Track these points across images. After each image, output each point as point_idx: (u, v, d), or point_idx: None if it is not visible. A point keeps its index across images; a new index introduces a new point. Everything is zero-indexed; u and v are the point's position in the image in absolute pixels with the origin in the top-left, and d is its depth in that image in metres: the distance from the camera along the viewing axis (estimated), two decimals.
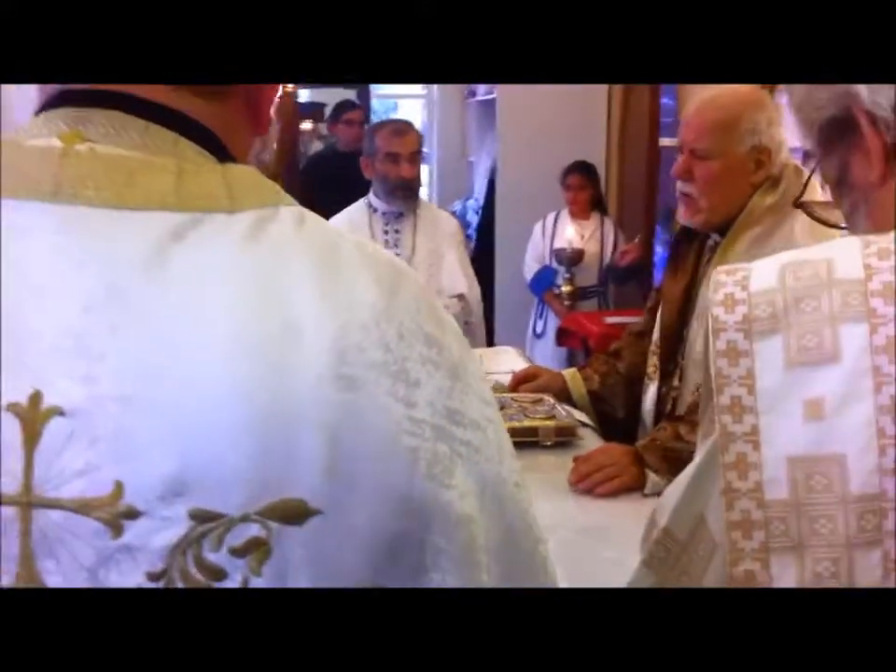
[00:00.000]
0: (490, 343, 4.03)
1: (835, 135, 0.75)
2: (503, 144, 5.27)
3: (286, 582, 0.56)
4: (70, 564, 0.55)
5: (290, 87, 4.63)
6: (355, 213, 3.21)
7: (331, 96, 5.78)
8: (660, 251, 4.88)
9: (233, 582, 0.55)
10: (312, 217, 0.63)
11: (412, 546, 0.58)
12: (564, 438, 1.97)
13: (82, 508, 0.54)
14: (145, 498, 0.54)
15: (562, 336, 4.33)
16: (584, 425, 2.11)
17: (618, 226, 4.68)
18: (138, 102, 0.63)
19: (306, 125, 6.22)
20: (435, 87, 6.57)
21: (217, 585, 0.55)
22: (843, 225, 0.84)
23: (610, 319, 4.00)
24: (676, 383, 1.87)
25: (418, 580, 0.59)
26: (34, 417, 0.54)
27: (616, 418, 2.17)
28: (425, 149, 3.91)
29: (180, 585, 0.55)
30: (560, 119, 5.09)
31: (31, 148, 0.61)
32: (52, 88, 0.65)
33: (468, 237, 5.19)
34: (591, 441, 2.03)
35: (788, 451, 0.60)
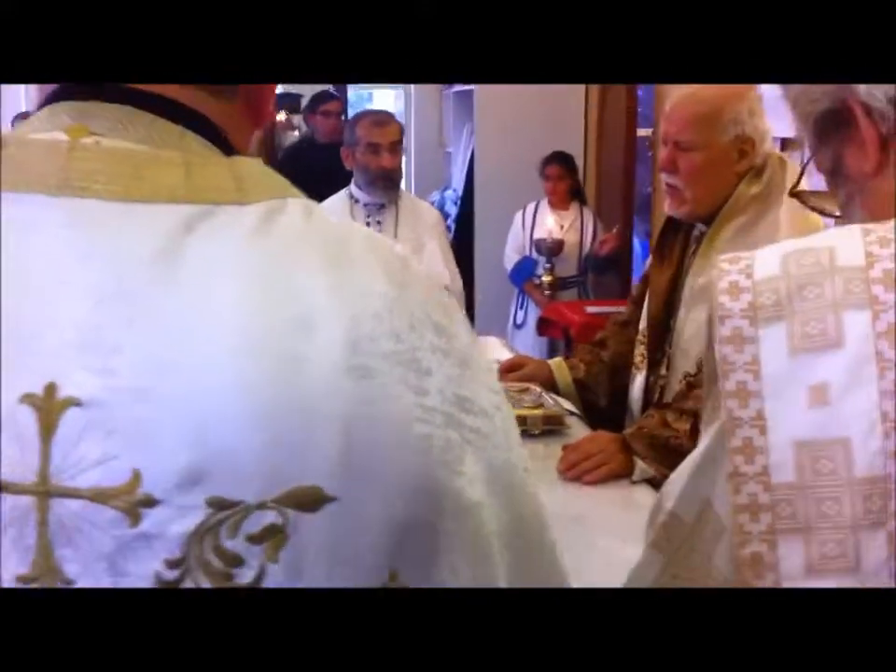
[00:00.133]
0: None
1: (830, 127, 0.76)
2: (481, 134, 5.29)
3: (301, 569, 0.56)
4: (88, 552, 0.55)
5: None
6: (336, 204, 3.21)
7: (307, 87, 5.75)
8: (636, 242, 4.91)
9: (250, 569, 0.55)
10: (319, 209, 0.64)
11: (424, 532, 0.59)
12: (551, 427, 1.99)
13: (100, 497, 0.55)
14: (162, 487, 0.54)
15: (543, 326, 4.35)
16: (571, 413, 2.13)
17: (597, 216, 4.70)
18: (144, 95, 0.63)
19: (280, 116, 6.18)
20: None
21: (234, 572, 0.55)
22: (837, 214, 0.85)
23: (591, 309, 4.03)
24: (663, 371, 1.89)
25: (431, 565, 0.59)
26: (50, 408, 0.55)
27: (599, 406, 2.19)
28: None
29: (198, 573, 0.55)
30: (538, 109, 5.10)
31: (36, 142, 0.61)
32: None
33: (447, 228, 5.20)
34: (578, 430, 2.04)
35: (794, 435, 0.61)
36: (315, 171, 4.21)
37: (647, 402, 1.94)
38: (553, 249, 4.36)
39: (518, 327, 4.63)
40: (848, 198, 0.78)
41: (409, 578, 0.59)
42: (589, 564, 1.40)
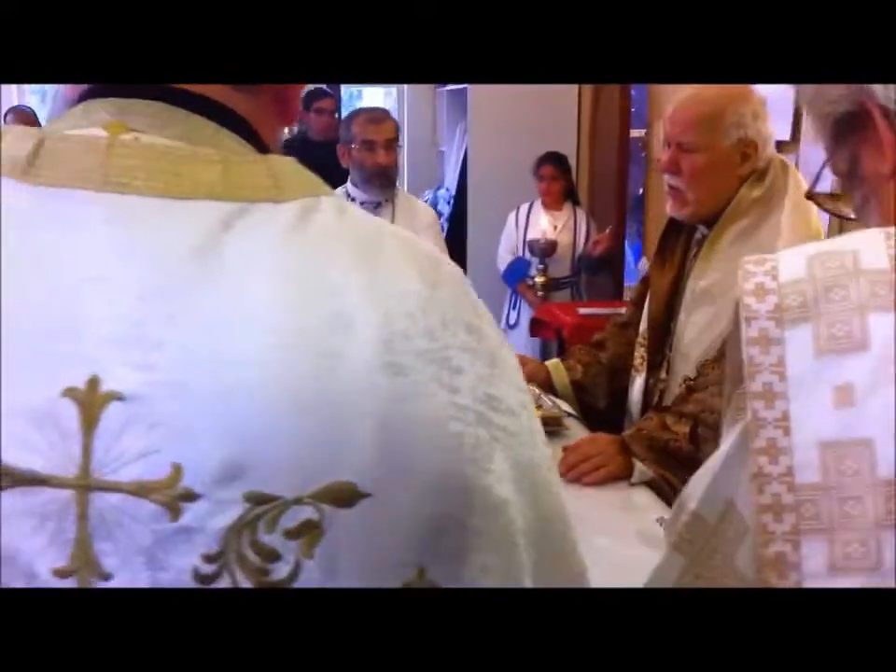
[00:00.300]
0: None
1: (847, 129, 0.77)
2: (474, 134, 5.29)
3: (335, 564, 0.57)
4: (127, 546, 0.56)
5: None
6: None
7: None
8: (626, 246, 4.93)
9: (286, 564, 0.56)
10: (352, 207, 0.64)
11: (454, 529, 0.59)
12: (550, 428, 1.99)
13: (140, 490, 0.55)
14: (202, 481, 0.55)
15: (535, 327, 4.36)
16: (569, 415, 2.13)
17: (590, 216, 4.71)
18: (179, 93, 0.63)
19: None
20: None
21: (270, 567, 0.56)
22: (852, 216, 0.86)
23: (583, 310, 4.04)
24: (663, 374, 1.89)
25: (459, 562, 0.60)
26: (92, 402, 0.55)
27: (598, 408, 2.19)
28: None
29: (235, 567, 0.56)
30: (531, 109, 5.12)
31: (76, 138, 0.61)
32: None
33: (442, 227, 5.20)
34: (576, 431, 2.05)
35: (819, 436, 0.62)
36: (309, 168, 4.20)
37: (646, 405, 1.94)
38: (546, 250, 4.37)
39: (511, 327, 4.63)
40: (864, 200, 0.79)
41: (437, 574, 0.59)
42: (588, 565, 1.41)
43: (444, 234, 5.38)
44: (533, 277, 4.45)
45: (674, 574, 0.71)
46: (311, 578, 0.56)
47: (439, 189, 6.43)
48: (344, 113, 5.14)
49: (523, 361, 2.33)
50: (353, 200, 3.21)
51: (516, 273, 4.55)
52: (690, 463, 1.70)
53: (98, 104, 0.63)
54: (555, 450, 1.87)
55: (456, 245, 5.05)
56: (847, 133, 0.77)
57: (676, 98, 1.87)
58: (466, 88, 5.41)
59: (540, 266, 4.40)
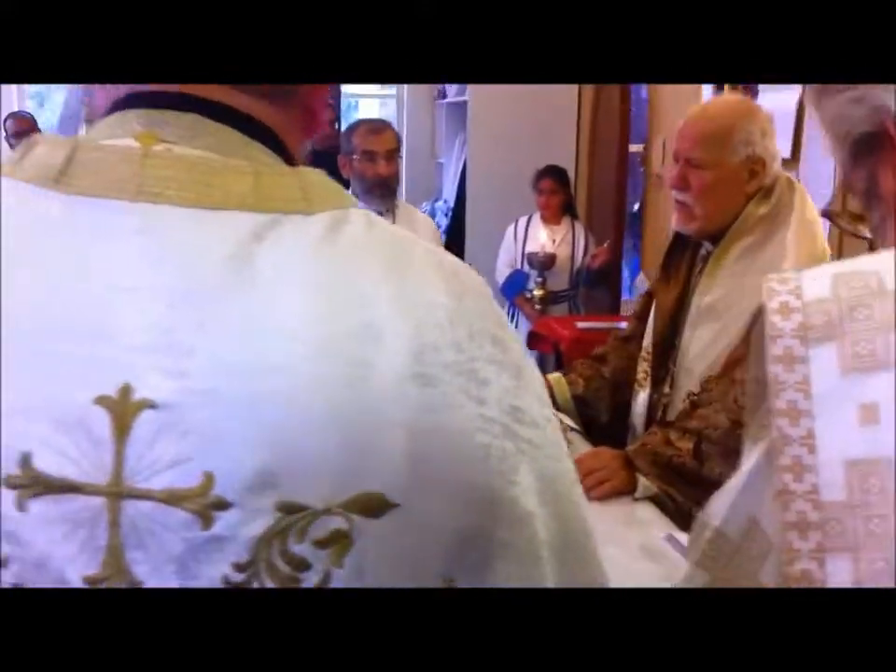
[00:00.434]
0: None
1: (866, 149, 0.77)
2: (474, 146, 5.31)
3: (364, 574, 0.57)
4: (158, 554, 0.56)
5: None
6: None
7: None
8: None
9: (316, 574, 0.56)
10: (380, 220, 0.65)
11: (480, 540, 0.60)
12: None
13: (173, 499, 0.55)
14: (234, 490, 0.55)
15: (533, 340, 4.36)
16: (572, 429, 2.13)
17: (588, 230, 4.73)
18: (210, 104, 0.64)
19: None
20: (405, 87, 6.58)
21: (300, 576, 0.56)
22: (867, 235, 0.86)
23: (581, 324, 4.04)
24: (667, 389, 1.90)
25: (485, 573, 0.60)
26: (124, 410, 0.55)
27: (600, 422, 2.19)
28: None
29: (265, 576, 0.56)
30: (530, 122, 5.14)
31: (110, 148, 0.62)
32: (119, 89, 0.66)
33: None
34: (579, 446, 2.04)
35: (844, 454, 0.62)
36: None
37: (650, 419, 1.95)
38: (545, 263, 4.38)
39: None
40: (881, 220, 0.80)
41: (464, 585, 0.59)
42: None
43: (443, 246, 5.40)
44: (531, 290, 4.46)
45: None
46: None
47: (437, 200, 6.44)
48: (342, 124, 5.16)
49: None
50: None
51: (515, 285, 4.55)
52: (693, 479, 1.71)
53: (131, 114, 0.64)
54: None
55: (455, 256, 5.04)
56: (865, 152, 0.78)
57: (685, 115, 1.88)
58: (466, 100, 5.43)
59: (539, 279, 4.40)
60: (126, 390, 0.55)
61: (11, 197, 0.61)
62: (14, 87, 6.57)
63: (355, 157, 3.17)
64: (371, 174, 3.16)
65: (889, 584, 0.61)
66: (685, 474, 1.70)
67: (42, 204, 0.60)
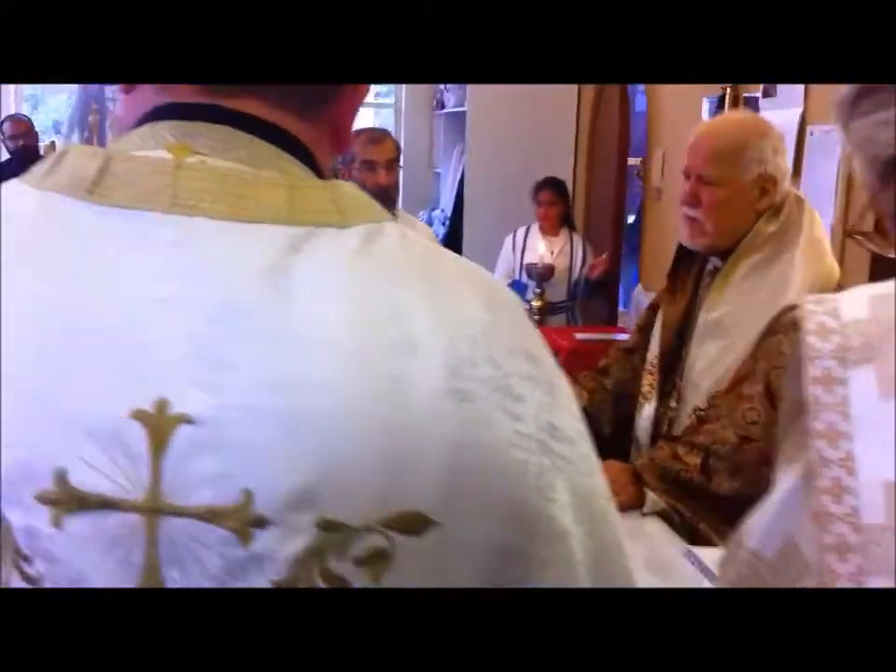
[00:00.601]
0: None
1: (893, 171, 0.77)
2: (472, 156, 5.31)
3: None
4: (196, 572, 0.55)
5: None
6: None
7: None
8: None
9: None
10: (412, 234, 0.64)
11: (518, 558, 0.59)
12: None
13: (211, 516, 0.54)
14: (273, 507, 0.54)
15: None
16: None
17: (586, 242, 4.73)
18: (243, 117, 0.64)
19: None
20: (403, 97, 6.59)
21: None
22: (892, 254, 0.86)
23: (580, 335, 4.04)
24: (673, 404, 1.89)
25: None
26: (161, 425, 0.54)
27: (602, 435, 2.19)
28: None
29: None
30: (529, 133, 5.15)
31: (143, 159, 0.61)
32: (148, 101, 0.66)
33: None
34: None
35: (883, 476, 0.62)
36: None
37: (655, 434, 1.94)
38: (543, 274, 4.37)
39: None
40: None
41: None
42: None
43: None
44: (530, 301, 4.46)
45: None
46: None
47: (433, 210, 6.44)
48: None
49: None
50: None
51: None
52: (700, 495, 1.71)
53: (162, 126, 0.63)
54: None
55: None
56: (893, 175, 0.78)
57: (696, 131, 1.88)
58: (464, 111, 5.44)
59: (537, 290, 4.40)
60: (163, 405, 0.55)
61: (42, 208, 0.60)
62: (12, 89, 6.55)
63: (355, 166, 3.16)
64: (371, 183, 3.16)
65: None
66: (693, 489, 1.69)
67: (75, 215, 0.59)
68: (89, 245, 0.58)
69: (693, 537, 1.66)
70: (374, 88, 6.38)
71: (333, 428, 0.55)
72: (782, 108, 2.96)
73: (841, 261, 2.45)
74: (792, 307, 1.72)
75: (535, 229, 4.64)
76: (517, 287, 4.53)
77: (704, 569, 1.42)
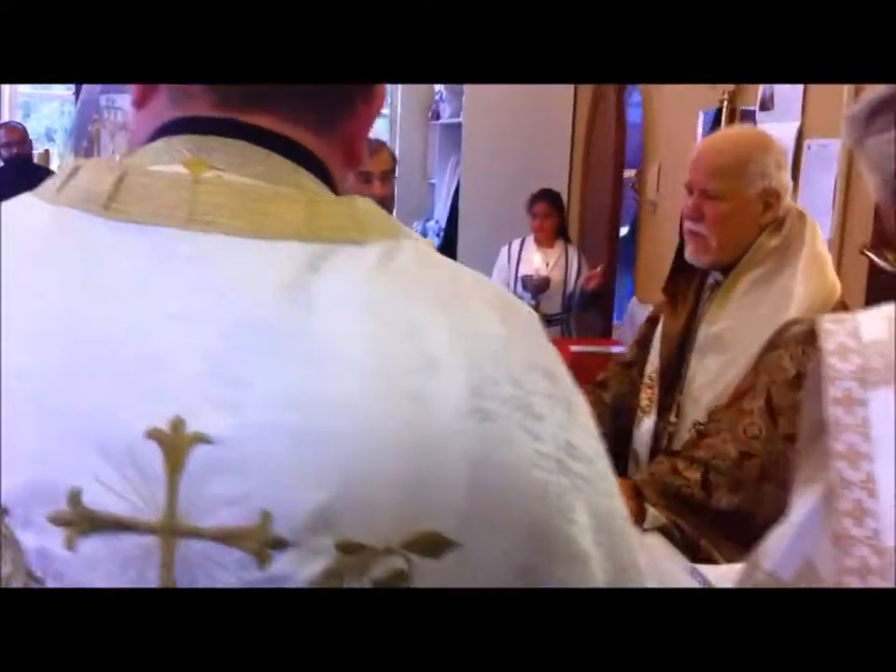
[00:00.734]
0: None
1: None
2: (467, 167, 5.32)
3: None
4: None
5: None
6: None
7: None
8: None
9: None
10: (429, 250, 0.64)
11: (538, 578, 0.59)
12: None
13: (228, 537, 0.53)
14: (293, 529, 0.53)
15: None
16: None
17: (581, 254, 4.74)
18: (259, 131, 0.63)
19: None
20: (399, 107, 6.59)
21: None
22: None
23: (575, 348, 4.03)
24: (673, 418, 1.89)
25: None
26: (177, 444, 0.54)
27: None
28: None
29: None
30: (524, 145, 5.16)
31: (159, 174, 0.61)
32: (163, 114, 0.65)
33: None
34: None
35: None
36: None
37: (655, 448, 1.94)
38: (539, 286, 4.38)
39: None
40: None
41: None
42: None
43: None
44: None
45: None
46: None
47: (428, 220, 6.44)
48: None
49: None
50: None
51: None
52: (701, 510, 1.70)
53: (178, 140, 0.63)
54: None
55: None
56: None
57: (699, 145, 1.88)
58: (460, 121, 5.44)
59: (533, 302, 4.40)
60: (178, 423, 0.54)
61: (56, 223, 0.60)
62: (5, 96, 6.54)
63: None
64: (367, 194, 3.14)
65: None
66: (693, 505, 1.68)
67: (90, 231, 0.59)
68: (104, 260, 0.58)
69: (694, 552, 1.65)
70: None
71: (354, 447, 0.54)
72: (779, 122, 2.97)
73: (838, 276, 2.45)
74: (795, 322, 1.73)
75: (530, 240, 4.65)
76: None
77: (709, 587, 1.41)
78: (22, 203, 0.62)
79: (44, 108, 8.79)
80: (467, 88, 5.28)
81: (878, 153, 0.78)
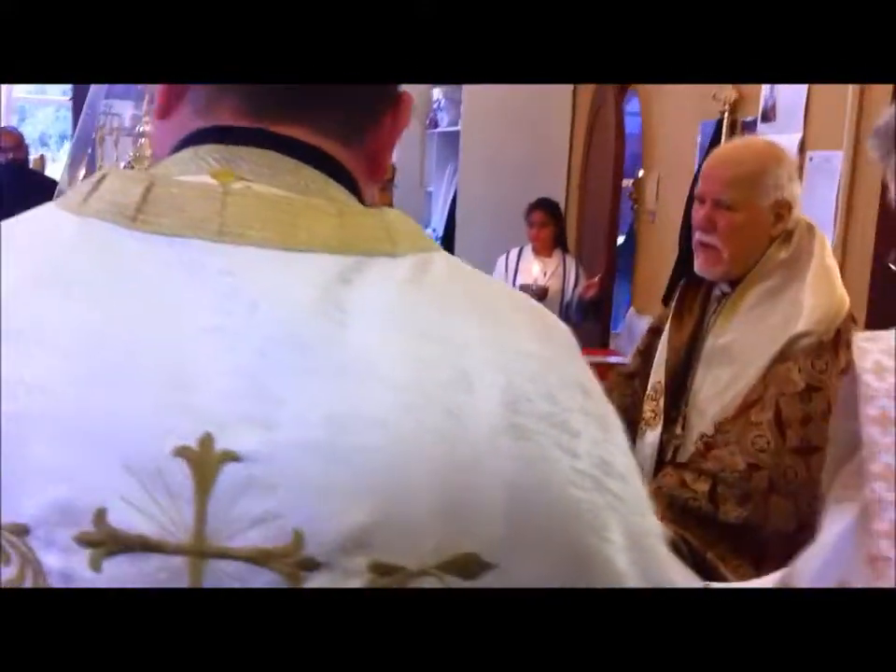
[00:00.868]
0: None
1: None
2: (465, 176, 5.32)
3: None
4: None
5: None
6: None
7: None
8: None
9: None
10: (461, 263, 0.64)
11: None
12: None
13: (259, 558, 0.52)
14: (325, 549, 0.52)
15: None
16: None
17: (579, 263, 4.73)
18: (290, 141, 0.62)
19: None
20: None
21: None
22: None
23: None
24: (678, 430, 1.87)
25: None
26: (206, 462, 0.52)
27: None
28: None
29: None
30: (522, 154, 5.16)
31: (188, 185, 0.59)
32: (187, 125, 0.64)
33: None
34: None
35: None
36: None
37: (660, 460, 1.92)
38: (538, 296, 4.36)
39: None
40: None
41: None
42: None
43: None
44: None
45: None
46: None
47: (425, 229, 6.44)
48: None
49: None
50: None
51: None
52: (708, 523, 1.69)
53: (204, 150, 0.62)
54: None
55: None
56: None
57: (712, 156, 1.87)
58: (458, 130, 5.44)
59: None
60: (208, 440, 0.52)
61: (82, 235, 0.58)
62: (2, 101, 6.52)
63: None
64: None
65: None
66: (701, 518, 1.67)
67: (117, 243, 0.57)
68: (132, 273, 0.56)
69: (700, 567, 1.64)
70: None
71: (388, 465, 0.53)
72: (781, 133, 2.96)
73: None
74: (804, 334, 1.72)
75: (528, 250, 4.64)
76: None
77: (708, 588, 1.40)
78: (46, 213, 0.61)
79: (39, 113, 8.77)
80: (465, 96, 5.28)
81: None
